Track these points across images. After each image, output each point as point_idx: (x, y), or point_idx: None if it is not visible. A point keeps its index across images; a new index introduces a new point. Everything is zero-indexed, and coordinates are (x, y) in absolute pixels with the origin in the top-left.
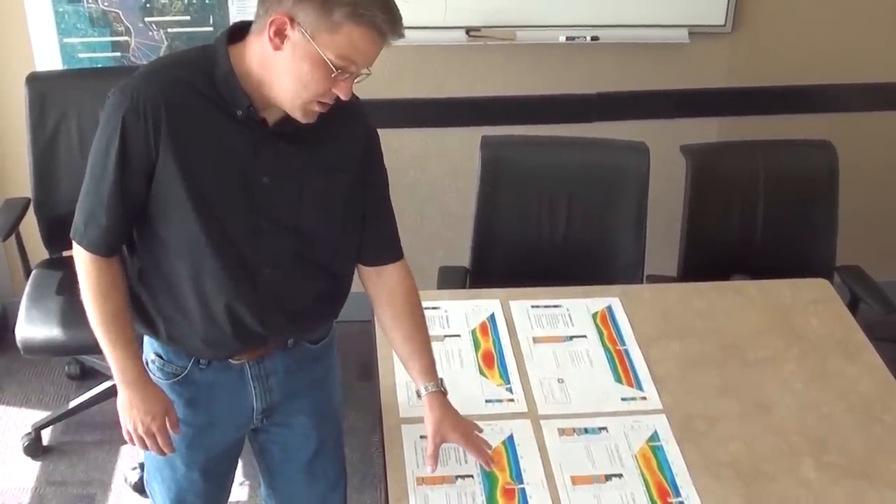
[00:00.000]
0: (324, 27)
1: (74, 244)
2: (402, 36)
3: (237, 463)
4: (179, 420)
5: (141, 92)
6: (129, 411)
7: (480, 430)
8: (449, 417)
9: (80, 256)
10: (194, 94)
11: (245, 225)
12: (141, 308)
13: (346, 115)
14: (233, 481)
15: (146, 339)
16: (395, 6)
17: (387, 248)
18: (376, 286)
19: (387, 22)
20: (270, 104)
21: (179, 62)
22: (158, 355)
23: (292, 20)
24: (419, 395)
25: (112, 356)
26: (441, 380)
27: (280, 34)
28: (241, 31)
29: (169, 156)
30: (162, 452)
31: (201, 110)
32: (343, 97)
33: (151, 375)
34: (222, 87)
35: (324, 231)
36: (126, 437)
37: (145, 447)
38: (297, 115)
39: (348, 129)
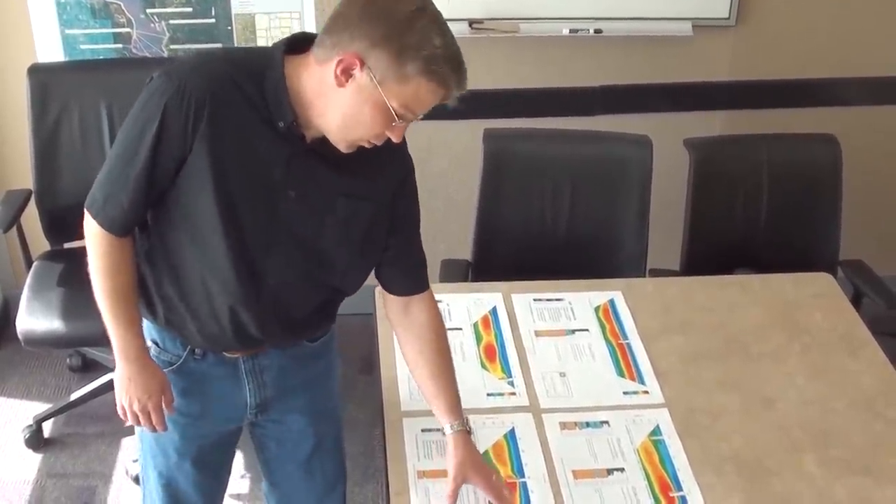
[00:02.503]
0: (394, 76)
1: (88, 217)
2: (465, 90)
3: (233, 455)
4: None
5: (188, 81)
6: (125, 386)
7: (500, 476)
8: (472, 458)
9: (92, 230)
10: (240, 94)
11: (263, 234)
12: (143, 288)
13: (387, 149)
14: (230, 473)
15: (144, 323)
16: (463, 62)
17: (414, 279)
18: (403, 319)
19: (455, 80)
20: (313, 124)
21: (230, 59)
22: (155, 343)
23: (362, 63)
24: (443, 433)
25: (115, 332)
26: (466, 419)
27: (346, 73)
28: (300, 43)
29: (203, 150)
30: (154, 429)
31: (243, 112)
32: (395, 140)
33: None
34: (269, 96)
35: (337, 254)
36: (120, 412)
37: (138, 423)
38: (341, 147)
39: (387, 163)
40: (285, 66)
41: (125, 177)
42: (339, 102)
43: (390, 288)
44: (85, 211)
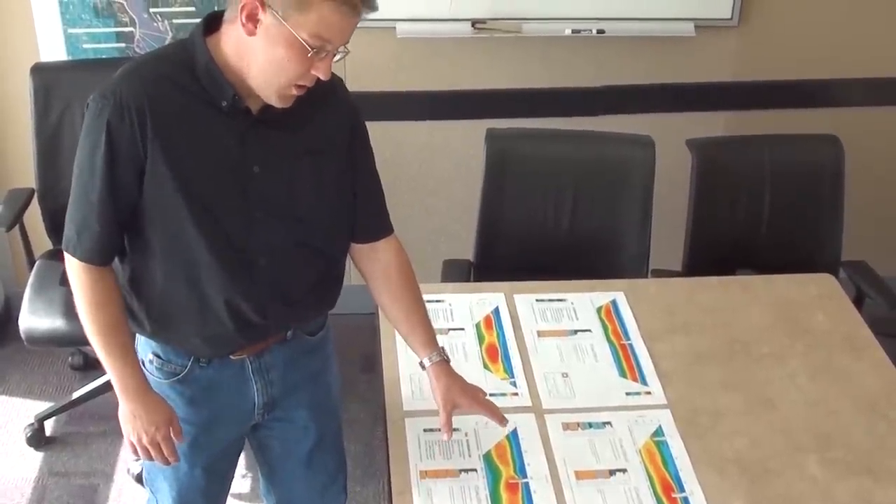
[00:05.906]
0: (294, 7)
1: (67, 256)
2: (374, 8)
3: (238, 459)
4: (181, 419)
5: (122, 92)
6: (131, 422)
7: (486, 394)
8: (457, 384)
9: (74, 267)
10: (177, 89)
11: (238, 216)
12: (134, 315)
13: (329, 98)
14: (233, 477)
15: (142, 339)
16: None
17: (378, 224)
18: (370, 264)
19: None
20: (253, 92)
21: (158, 58)
22: (157, 355)
23: (263, 3)
24: (423, 367)
25: (111, 367)
26: (443, 348)
27: (252, 19)
28: (216, 22)
29: (157, 154)
30: (167, 462)
31: (185, 105)
32: (323, 77)
33: (150, 375)
34: (204, 80)
35: (319, 215)
36: (130, 449)
37: (150, 458)
38: (273, 101)
39: (332, 111)
40: (209, 47)
41: (90, 204)
42: (256, 52)
43: (357, 235)
44: (65, 254)
